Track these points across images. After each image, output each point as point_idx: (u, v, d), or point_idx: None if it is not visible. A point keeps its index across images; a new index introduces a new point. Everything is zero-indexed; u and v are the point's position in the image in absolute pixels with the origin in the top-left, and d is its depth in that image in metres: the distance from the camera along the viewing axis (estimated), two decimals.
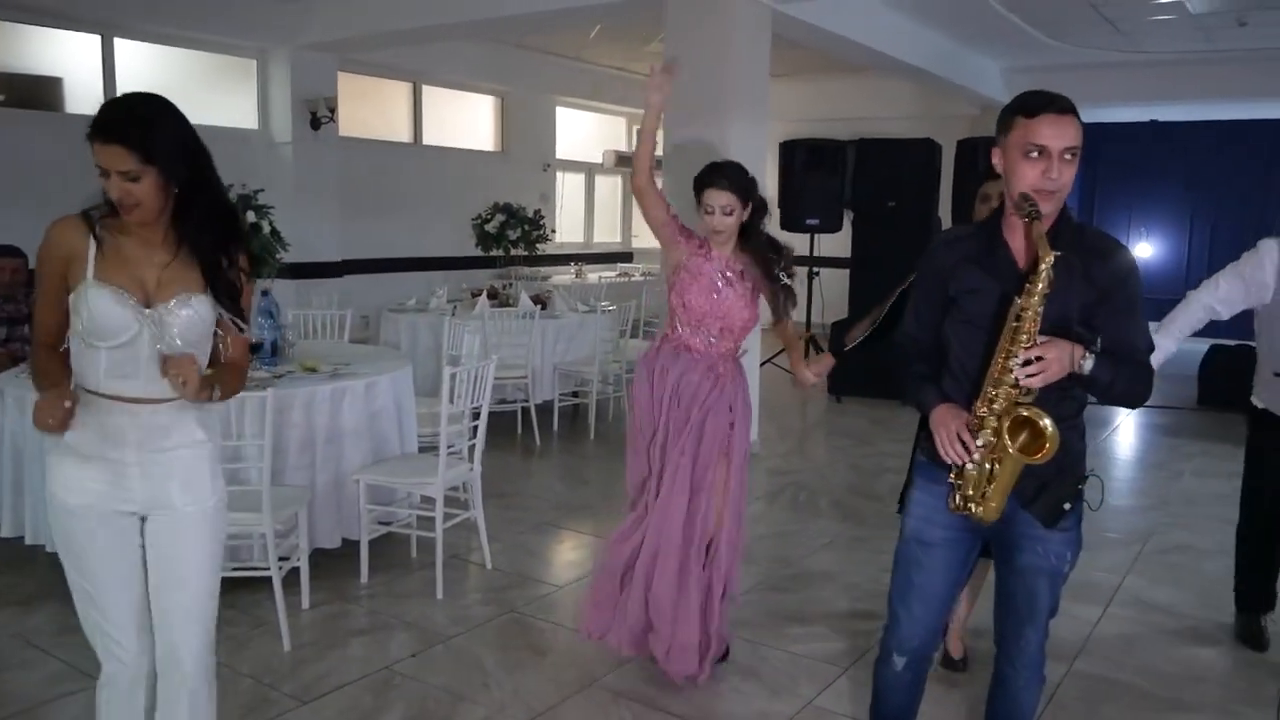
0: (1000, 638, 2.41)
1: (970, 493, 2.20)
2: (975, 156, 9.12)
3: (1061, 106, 2.10)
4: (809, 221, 8.93)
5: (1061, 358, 2.06)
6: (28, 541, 4.01)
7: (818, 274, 9.41)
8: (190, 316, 2.17)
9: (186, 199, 2.15)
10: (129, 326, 2.12)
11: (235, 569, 3.72)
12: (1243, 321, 3.86)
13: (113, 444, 2.18)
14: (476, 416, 4.37)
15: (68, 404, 2.07)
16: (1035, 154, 2.08)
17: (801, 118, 11.53)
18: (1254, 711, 3.29)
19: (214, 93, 8.61)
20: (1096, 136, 14.48)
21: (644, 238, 13.53)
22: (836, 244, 9.96)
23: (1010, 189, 2.16)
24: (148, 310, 2.15)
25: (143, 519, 2.25)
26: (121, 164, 2.05)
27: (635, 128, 13.31)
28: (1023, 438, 2.09)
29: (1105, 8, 8.20)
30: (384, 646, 3.63)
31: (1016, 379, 2.08)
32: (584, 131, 12.75)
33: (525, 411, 7.01)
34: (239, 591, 3.80)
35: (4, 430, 4.06)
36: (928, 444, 2.31)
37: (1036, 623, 2.33)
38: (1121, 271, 2.17)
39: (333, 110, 8.57)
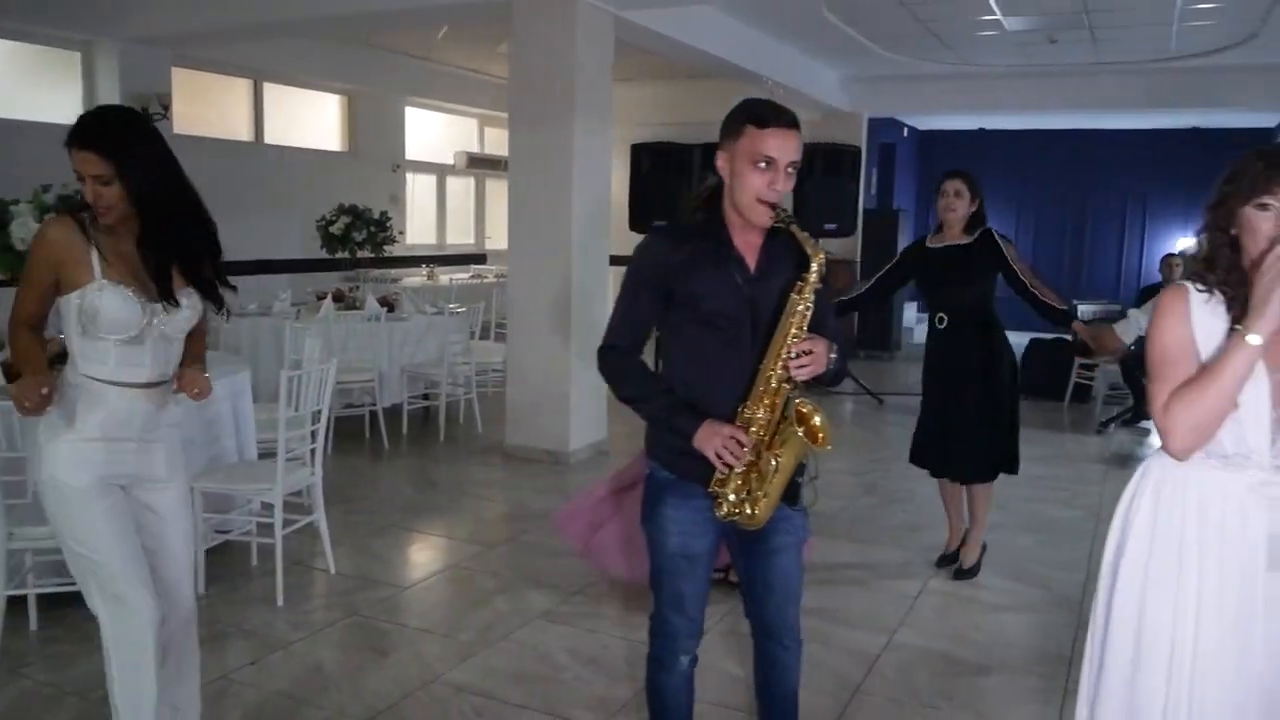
0: (764, 624, 2.45)
1: (734, 498, 2.23)
2: (814, 161, 9.54)
3: (789, 121, 2.20)
4: (657, 224, 9.08)
5: (826, 351, 2.18)
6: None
7: None
8: (188, 309, 2.48)
9: (157, 204, 2.40)
10: (138, 321, 2.40)
11: (59, 584, 3.62)
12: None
13: (120, 426, 2.46)
14: (318, 420, 4.33)
15: (45, 390, 2.34)
16: (763, 164, 2.16)
17: (650, 121, 11.73)
18: (1050, 668, 3.59)
19: (33, 86, 8.20)
20: (930, 142, 15.29)
21: (497, 239, 13.49)
22: None
23: (735, 193, 2.23)
24: (154, 305, 2.43)
25: (123, 490, 2.52)
26: (93, 169, 2.32)
27: (486, 129, 13.32)
28: (802, 431, 2.18)
29: (933, 24, 8.66)
30: (221, 656, 3.57)
31: (789, 374, 2.17)
32: (435, 132, 12.63)
33: (373, 415, 6.95)
34: (63, 608, 3.67)
35: None
36: (676, 459, 2.30)
37: (794, 596, 2.42)
38: (825, 270, 2.28)
39: (166, 107, 8.25)
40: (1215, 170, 1.93)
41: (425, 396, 7.51)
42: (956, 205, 4.32)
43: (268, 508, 4.22)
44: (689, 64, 9.12)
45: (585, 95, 6.48)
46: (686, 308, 2.28)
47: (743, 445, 2.18)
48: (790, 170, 2.20)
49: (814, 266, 2.19)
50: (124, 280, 2.39)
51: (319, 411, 4.32)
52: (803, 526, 2.41)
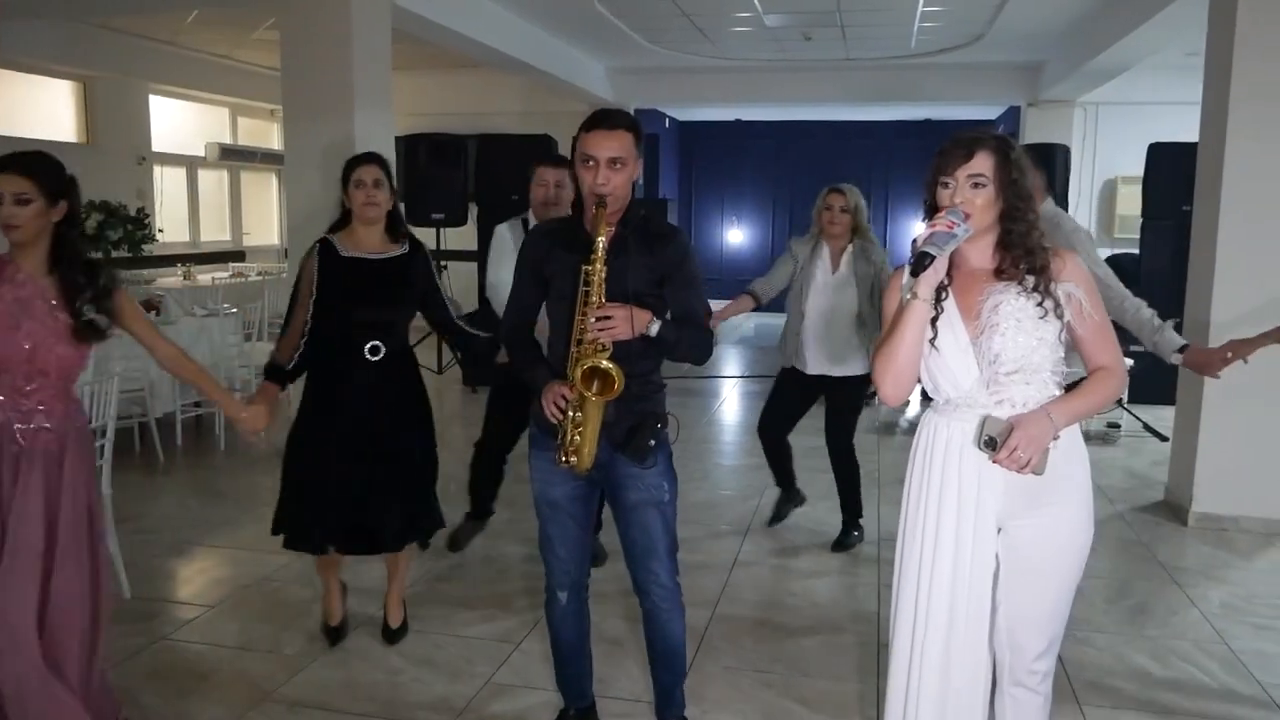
0: (635, 580, 2.74)
1: (568, 447, 2.54)
2: None
3: (612, 123, 2.50)
4: (434, 215, 9.00)
5: (627, 318, 2.45)
6: None
7: (445, 267, 9.47)
8: None
9: None
10: None
11: None
12: None
13: None
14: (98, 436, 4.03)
15: None
16: (589, 162, 2.48)
17: (421, 111, 11.53)
18: (862, 625, 3.89)
19: None
20: (690, 133, 15.83)
21: (256, 235, 12.84)
22: (462, 237, 10.11)
23: (581, 190, 2.56)
24: None
25: None
26: None
27: (240, 118, 12.60)
28: (597, 384, 2.47)
29: (696, 17, 9.00)
30: None
31: (594, 337, 2.45)
32: (183, 122, 11.82)
33: (144, 426, 6.48)
34: None
35: None
36: (538, 414, 2.62)
37: (659, 554, 2.69)
38: (679, 252, 2.64)
39: None
40: None
41: (198, 404, 7.06)
42: (379, 198, 3.46)
43: None
44: (459, 54, 9.04)
45: (365, 86, 6.31)
46: (551, 286, 2.64)
47: (566, 400, 2.49)
48: (611, 165, 2.48)
49: (598, 239, 2.46)
50: None
51: (103, 427, 4.04)
52: (656, 486, 2.65)
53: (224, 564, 4.64)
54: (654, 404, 2.66)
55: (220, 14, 8.93)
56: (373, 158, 3.46)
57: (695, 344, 2.65)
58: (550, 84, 10.69)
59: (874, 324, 4.54)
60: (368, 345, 3.37)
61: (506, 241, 4.30)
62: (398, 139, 7.89)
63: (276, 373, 3.38)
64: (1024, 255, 2.14)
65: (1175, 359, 3.74)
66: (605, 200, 2.46)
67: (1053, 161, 8.05)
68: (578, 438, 2.52)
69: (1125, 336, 4.12)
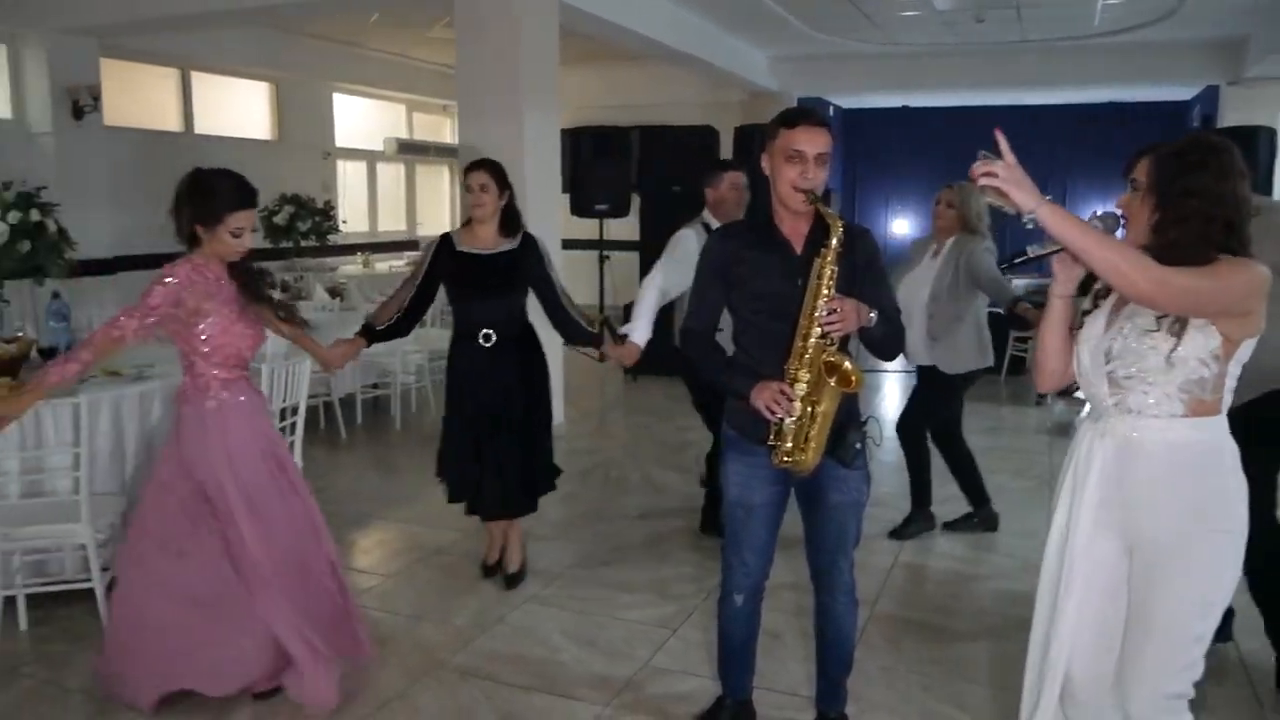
0: (817, 573, 2.79)
1: (790, 446, 2.54)
2: (751, 142, 9.64)
3: (815, 120, 2.53)
4: (598, 207, 9.12)
5: (855, 310, 2.47)
6: None
7: (608, 258, 9.62)
8: None
9: None
10: None
11: (46, 584, 3.71)
12: None
13: None
14: (285, 414, 4.35)
15: None
16: (795, 157, 2.50)
17: (584, 105, 11.76)
18: (1024, 633, 3.74)
19: None
20: (854, 121, 15.53)
21: (429, 225, 13.40)
22: (625, 228, 10.25)
23: (776, 187, 2.57)
24: None
25: None
26: None
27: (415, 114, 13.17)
28: (835, 378, 2.46)
29: (861, 3, 8.83)
30: None
31: (822, 330, 2.46)
32: (365, 119, 12.45)
33: (327, 405, 6.89)
34: (53, 606, 3.73)
35: None
36: (738, 419, 2.65)
37: (846, 552, 2.74)
38: (871, 250, 2.68)
39: (96, 98, 8.02)
40: (1134, 143, 2.14)
41: (376, 385, 7.46)
42: (484, 199, 3.84)
43: None
44: (621, 46, 9.16)
45: (532, 81, 6.49)
46: (742, 288, 2.65)
47: (789, 398, 2.48)
48: (818, 161, 2.48)
49: (833, 235, 2.46)
50: None
51: (294, 405, 4.35)
52: (858, 488, 2.68)
53: (401, 536, 4.89)
54: (855, 404, 2.69)
55: (399, 15, 9.35)
56: (481, 165, 3.91)
57: (898, 338, 2.70)
58: (712, 74, 10.71)
59: (943, 316, 4.47)
60: (480, 333, 3.88)
61: (692, 248, 4.10)
62: (562, 132, 8.12)
63: (368, 329, 3.95)
64: None
65: None
66: (817, 194, 2.49)
67: (1255, 145, 7.53)
68: (810, 433, 2.51)
69: None
